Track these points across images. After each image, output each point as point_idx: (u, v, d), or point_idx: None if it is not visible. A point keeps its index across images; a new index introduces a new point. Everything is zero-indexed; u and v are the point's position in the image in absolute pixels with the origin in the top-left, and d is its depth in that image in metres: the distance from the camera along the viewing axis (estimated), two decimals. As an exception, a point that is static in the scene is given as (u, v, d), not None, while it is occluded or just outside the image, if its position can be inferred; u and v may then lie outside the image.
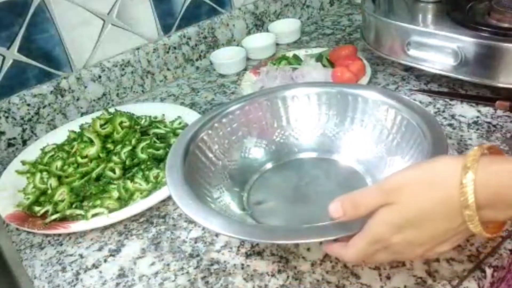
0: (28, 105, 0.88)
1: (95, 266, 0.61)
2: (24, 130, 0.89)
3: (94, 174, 0.71)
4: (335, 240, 0.46)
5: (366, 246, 0.42)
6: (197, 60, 1.08)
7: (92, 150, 0.73)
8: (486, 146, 0.40)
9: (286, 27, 1.13)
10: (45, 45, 0.88)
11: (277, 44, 1.12)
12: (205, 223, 0.49)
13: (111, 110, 0.82)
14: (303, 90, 0.69)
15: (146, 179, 0.70)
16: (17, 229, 0.69)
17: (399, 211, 0.40)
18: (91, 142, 0.74)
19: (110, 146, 0.74)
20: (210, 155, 0.64)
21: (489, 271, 0.51)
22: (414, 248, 0.42)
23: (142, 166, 0.72)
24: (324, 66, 0.91)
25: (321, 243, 0.54)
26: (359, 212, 0.42)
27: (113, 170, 0.71)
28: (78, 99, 0.94)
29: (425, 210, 0.39)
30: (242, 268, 0.56)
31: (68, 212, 0.67)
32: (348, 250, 0.44)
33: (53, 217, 0.67)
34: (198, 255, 0.59)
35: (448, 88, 0.82)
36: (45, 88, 0.89)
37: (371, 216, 0.42)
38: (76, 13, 0.89)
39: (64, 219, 0.67)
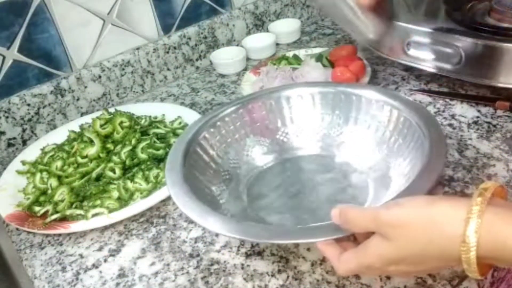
0: (28, 105, 0.88)
1: (95, 266, 0.61)
2: (24, 130, 0.89)
3: (94, 174, 0.71)
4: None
5: (358, 268, 0.43)
6: (197, 60, 1.08)
7: (92, 150, 0.73)
8: (489, 194, 0.38)
9: (286, 27, 1.13)
10: (45, 45, 0.88)
11: (277, 44, 1.12)
12: (202, 221, 0.49)
13: (111, 110, 0.82)
14: (307, 89, 0.69)
15: (146, 179, 0.70)
16: (17, 229, 0.69)
17: (396, 249, 0.40)
18: (91, 142, 0.74)
19: (110, 146, 0.74)
20: (212, 152, 0.64)
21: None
22: (407, 274, 0.44)
23: (142, 166, 0.72)
24: (324, 66, 0.91)
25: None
26: (350, 228, 0.43)
27: (113, 170, 0.71)
28: (78, 99, 0.94)
29: (423, 253, 0.39)
30: (242, 268, 0.56)
31: (68, 212, 0.67)
32: (339, 265, 0.44)
33: (53, 217, 0.67)
34: (198, 255, 0.59)
35: (448, 88, 0.82)
36: (45, 88, 0.89)
37: (366, 241, 0.42)
38: (76, 13, 0.89)
39: (64, 219, 0.67)
